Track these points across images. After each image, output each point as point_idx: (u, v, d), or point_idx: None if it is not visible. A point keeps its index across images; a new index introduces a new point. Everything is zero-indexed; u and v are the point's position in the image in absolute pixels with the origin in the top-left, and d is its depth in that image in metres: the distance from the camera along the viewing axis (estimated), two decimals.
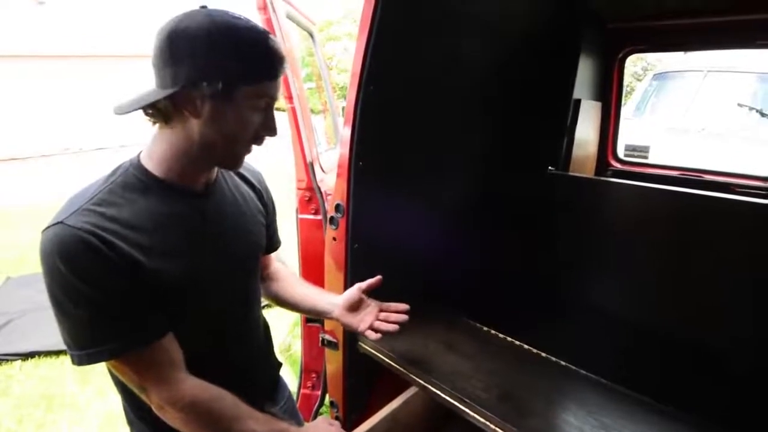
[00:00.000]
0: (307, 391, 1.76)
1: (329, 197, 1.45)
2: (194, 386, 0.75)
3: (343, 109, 1.24)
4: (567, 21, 1.81)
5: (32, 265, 3.94)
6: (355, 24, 1.50)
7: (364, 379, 1.40)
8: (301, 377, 1.77)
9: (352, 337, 1.30)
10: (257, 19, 1.34)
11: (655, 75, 4.39)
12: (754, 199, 1.39)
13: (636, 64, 10.26)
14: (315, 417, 1.69)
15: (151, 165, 0.75)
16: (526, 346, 1.30)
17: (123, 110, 0.71)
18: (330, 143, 2.30)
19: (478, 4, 1.41)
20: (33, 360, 2.73)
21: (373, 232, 1.26)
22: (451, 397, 1.06)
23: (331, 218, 1.24)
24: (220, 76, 0.67)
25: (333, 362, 1.38)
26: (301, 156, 1.52)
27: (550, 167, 1.87)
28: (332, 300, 1.04)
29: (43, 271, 0.66)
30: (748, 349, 1.30)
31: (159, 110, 0.70)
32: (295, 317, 2.65)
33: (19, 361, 2.71)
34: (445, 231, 1.51)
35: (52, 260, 0.64)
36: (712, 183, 2.00)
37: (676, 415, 1.03)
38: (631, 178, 2.05)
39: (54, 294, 0.67)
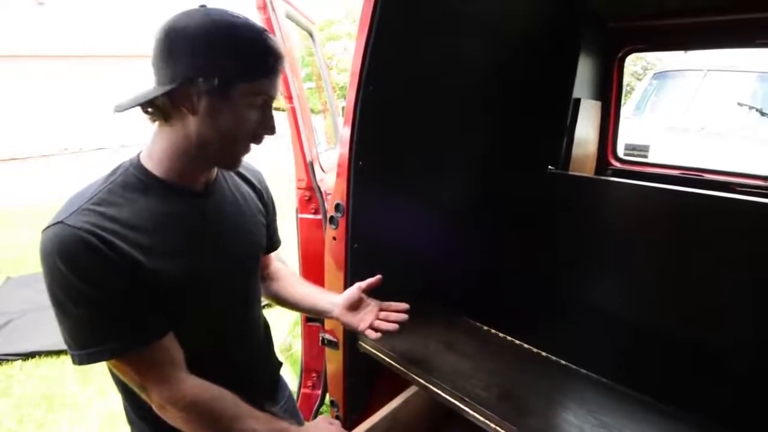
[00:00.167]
0: (308, 391, 1.76)
1: (329, 197, 1.45)
2: (195, 386, 0.75)
3: (343, 108, 1.24)
4: (567, 20, 1.81)
5: (32, 265, 3.94)
6: (355, 24, 1.50)
7: (364, 379, 1.40)
8: (301, 377, 1.77)
9: (352, 336, 1.30)
10: (257, 19, 1.34)
11: (655, 74, 4.39)
12: (755, 198, 1.39)
13: (636, 63, 10.26)
14: (315, 416, 1.70)
15: (151, 165, 0.75)
16: (526, 346, 1.30)
17: (122, 108, 0.71)
18: (330, 143, 2.30)
19: (478, 3, 1.41)
20: (33, 360, 2.73)
21: (373, 231, 1.26)
22: (451, 397, 1.06)
23: (331, 218, 1.24)
24: (216, 73, 0.67)
25: (333, 362, 1.38)
26: (301, 156, 1.52)
27: (549, 167, 1.87)
28: (332, 299, 1.04)
29: (44, 271, 0.66)
30: (748, 348, 1.30)
31: (157, 107, 0.70)
32: (296, 317, 2.65)
33: (20, 361, 2.71)
34: (445, 231, 1.51)
35: (52, 260, 0.64)
36: (712, 182, 1.99)
37: (677, 414, 1.03)
38: (631, 178, 2.05)
39: (54, 294, 0.67)
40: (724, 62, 3.62)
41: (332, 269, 1.28)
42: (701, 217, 1.43)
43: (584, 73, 1.95)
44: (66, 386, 2.49)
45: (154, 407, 0.74)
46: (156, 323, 0.72)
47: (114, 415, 2.23)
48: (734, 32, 1.76)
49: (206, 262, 0.79)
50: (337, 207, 1.22)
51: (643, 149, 2.37)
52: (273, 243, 1.03)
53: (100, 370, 0.91)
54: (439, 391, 1.09)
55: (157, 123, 0.73)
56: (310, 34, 2.12)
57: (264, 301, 1.02)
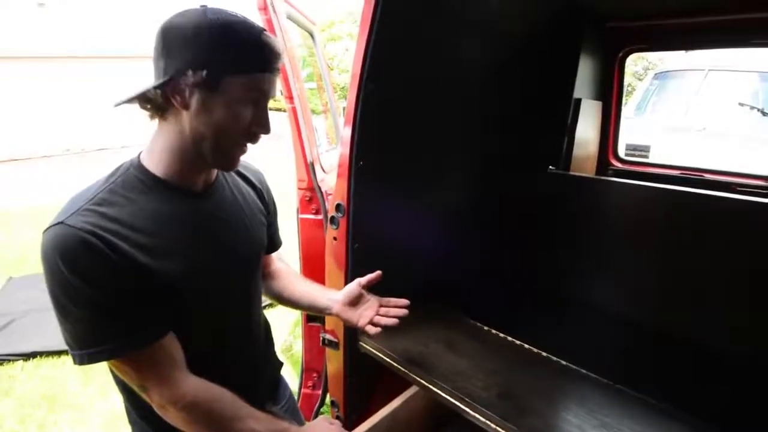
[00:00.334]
0: (308, 391, 1.76)
1: (330, 197, 1.45)
2: (195, 386, 0.75)
3: (343, 109, 1.24)
4: (567, 20, 1.81)
5: (34, 265, 3.94)
6: (356, 24, 1.50)
7: (364, 379, 1.40)
8: (302, 377, 1.77)
9: (352, 336, 1.30)
10: (258, 20, 1.34)
11: (656, 74, 4.39)
12: (756, 198, 1.39)
13: (637, 63, 10.25)
14: (316, 416, 1.70)
15: (151, 164, 0.75)
16: (526, 346, 1.30)
17: (119, 102, 0.72)
18: (331, 143, 2.30)
19: (478, 4, 1.41)
20: (35, 360, 2.73)
21: (374, 231, 1.26)
22: (451, 397, 1.07)
23: (332, 218, 1.24)
24: (206, 65, 0.67)
25: (334, 362, 1.39)
26: (301, 156, 1.52)
27: (550, 166, 1.87)
28: (332, 296, 1.04)
29: (44, 272, 0.66)
30: (748, 348, 1.30)
31: (152, 101, 0.71)
32: (296, 317, 2.65)
33: (21, 361, 2.71)
34: (446, 231, 1.52)
35: (53, 260, 0.65)
36: (713, 182, 1.99)
37: (676, 414, 1.04)
38: (632, 178, 2.04)
39: (55, 294, 0.67)
40: (725, 62, 3.61)
41: (333, 269, 1.29)
42: (702, 218, 1.43)
43: (585, 73, 1.95)
44: (67, 386, 2.49)
45: (154, 407, 0.74)
46: (156, 323, 0.72)
47: (115, 415, 2.23)
48: (734, 32, 1.76)
49: (207, 262, 0.79)
50: (338, 207, 1.22)
51: (644, 149, 2.37)
52: (274, 243, 1.03)
53: (102, 370, 0.91)
54: (440, 391, 1.09)
55: (156, 121, 0.74)
56: (311, 35, 2.12)
57: (265, 301, 1.02)
